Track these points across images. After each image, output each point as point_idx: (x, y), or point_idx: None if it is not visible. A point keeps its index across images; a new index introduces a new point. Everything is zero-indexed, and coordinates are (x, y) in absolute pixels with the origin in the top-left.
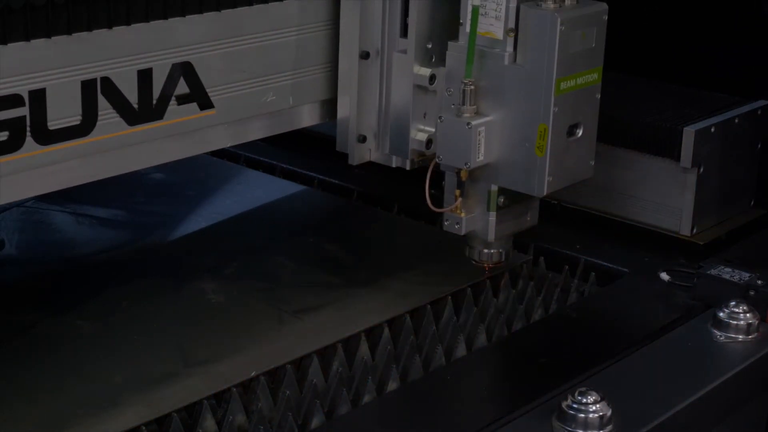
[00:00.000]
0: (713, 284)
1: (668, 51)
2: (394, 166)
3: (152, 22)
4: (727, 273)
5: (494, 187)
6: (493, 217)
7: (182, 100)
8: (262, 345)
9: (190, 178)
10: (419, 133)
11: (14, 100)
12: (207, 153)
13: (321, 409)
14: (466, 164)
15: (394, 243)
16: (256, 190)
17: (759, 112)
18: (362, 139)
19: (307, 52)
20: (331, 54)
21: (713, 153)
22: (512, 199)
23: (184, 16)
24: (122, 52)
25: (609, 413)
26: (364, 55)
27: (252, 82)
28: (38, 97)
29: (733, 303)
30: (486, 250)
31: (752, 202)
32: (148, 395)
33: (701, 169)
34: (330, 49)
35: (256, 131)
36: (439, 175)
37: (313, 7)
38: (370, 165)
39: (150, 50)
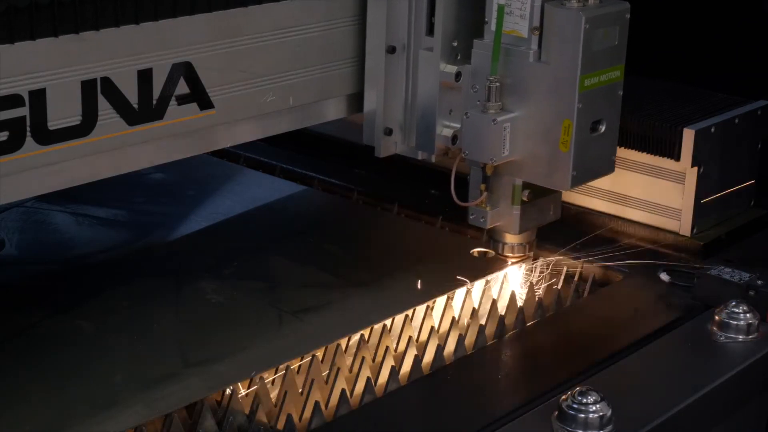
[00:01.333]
0: (713, 284)
1: (668, 51)
2: (420, 158)
3: (151, 23)
4: (727, 273)
5: (518, 182)
6: (517, 211)
7: (182, 100)
8: (262, 345)
9: (190, 178)
10: (445, 129)
11: (14, 100)
12: (207, 153)
13: (321, 409)
14: (491, 159)
15: (394, 243)
16: (256, 190)
17: (759, 112)
18: (389, 132)
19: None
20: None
21: (713, 153)
22: (536, 194)
23: (184, 15)
24: (122, 52)
25: (609, 413)
26: (391, 50)
27: (252, 82)
28: (38, 97)
29: (733, 303)
30: (510, 244)
31: (752, 202)
32: (148, 395)
33: (701, 169)
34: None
35: (256, 131)
36: (442, 176)
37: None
38: (370, 165)
39: (150, 50)
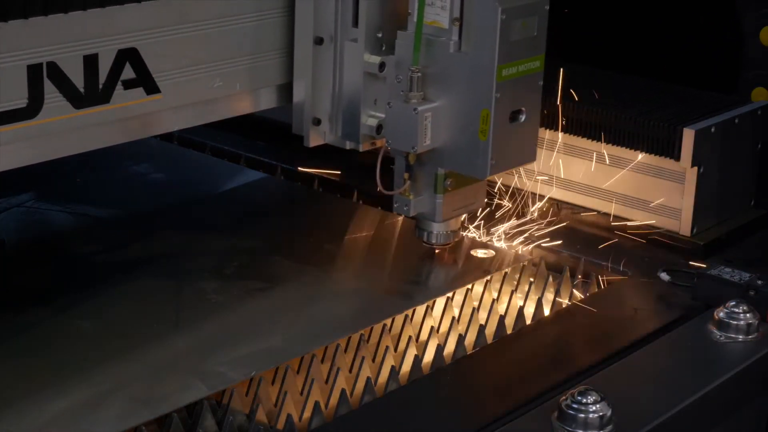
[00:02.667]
0: (713, 284)
1: (669, 51)
2: (347, 148)
3: (96, 9)
4: (727, 273)
5: (441, 170)
6: (440, 199)
7: (128, 84)
8: (262, 345)
9: (190, 178)
10: (370, 119)
11: None
12: (207, 153)
13: (321, 409)
14: (413, 148)
15: (395, 243)
16: (256, 190)
17: (759, 112)
18: (317, 122)
19: (258, 38)
20: (285, 40)
21: (713, 153)
22: (459, 182)
23: (132, 2)
24: (69, 37)
25: (609, 413)
26: (318, 41)
27: (199, 68)
28: None
29: (733, 303)
30: (435, 232)
31: (752, 202)
32: (148, 395)
33: (701, 169)
34: (283, 35)
35: (204, 116)
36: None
37: None
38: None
39: (96, 36)
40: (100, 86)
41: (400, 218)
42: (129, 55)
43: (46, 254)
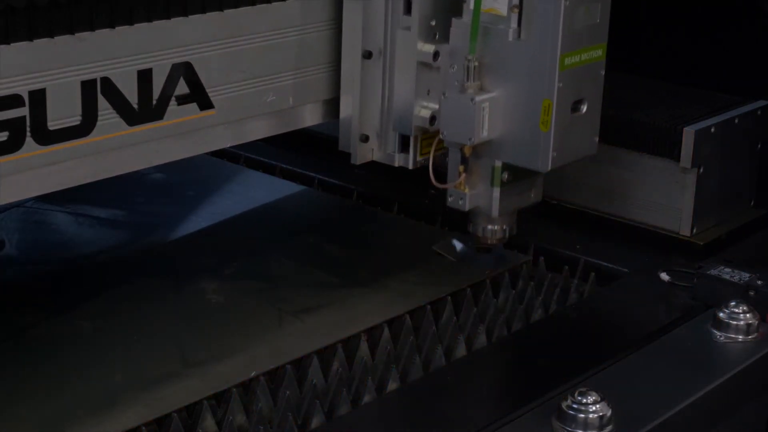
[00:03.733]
0: (713, 284)
1: (669, 51)
2: (396, 165)
3: (153, 22)
4: (727, 273)
5: (498, 163)
6: (497, 192)
7: (182, 100)
8: (262, 345)
9: (190, 178)
10: (423, 110)
11: (14, 101)
12: (207, 153)
13: (321, 409)
14: (470, 140)
15: (394, 243)
16: (256, 190)
17: (759, 112)
18: (365, 138)
19: (309, 52)
20: (334, 54)
21: (713, 153)
22: (516, 175)
23: (185, 15)
24: (122, 52)
25: (609, 413)
26: (367, 55)
27: (252, 82)
28: (38, 98)
29: (733, 303)
30: (490, 227)
31: (752, 202)
32: (148, 395)
33: (701, 169)
34: (332, 49)
35: (257, 131)
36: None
37: (315, 6)
38: (370, 165)
39: (150, 50)
40: (154, 102)
41: (400, 218)
42: (183, 69)
43: (46, 254)
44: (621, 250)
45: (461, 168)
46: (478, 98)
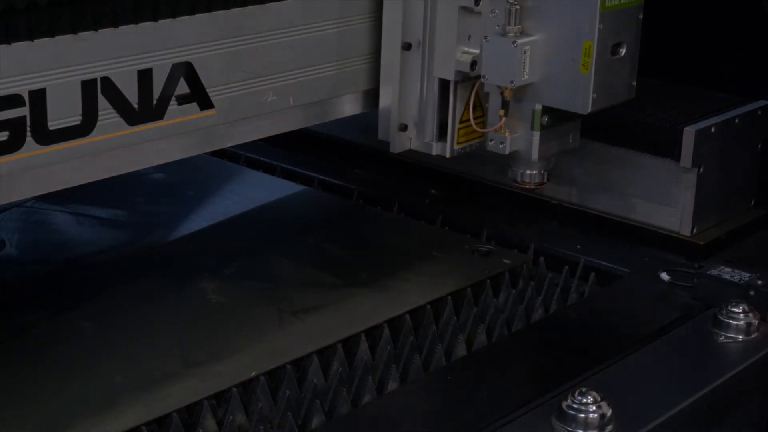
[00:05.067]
0: (713, 284)
1: (668, 50)
2: (434, 153)
3: (153, 23)
4: (727, 273)
5: (538, 106)
6: (537, 136)
7: (182, 100)
8: (262, 345)
9: (190, 178)
10: (464, 55)
11: (14, 100)
12: (207, 153)
13: (321, 409)
14: (511, 82)
15: (394, 243)
16: (256, 190)
17: (759, 112)
18: (404, 128)
19: (317, 49)
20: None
21: (713, 153)
22: (555, 119)
23: (185, 15)
24: (123, 52)
25: (609, 413)
26: (407, 47)
27: (253, 82)
28: (38, 97)
29: (733, 303)
30: (528, 171)
31: (752, 202)
32: (148, 395)
33: (701, 169)
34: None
35: (258, 131)
36: (441, 176)
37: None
38: (370, 165)
39: (150, 50)
40: (154, 102)
41: (400, 218)
42: (183, 70)
43: (46, 254)
44: (621, 250)
45: (501, 112)
46: (519, 41)
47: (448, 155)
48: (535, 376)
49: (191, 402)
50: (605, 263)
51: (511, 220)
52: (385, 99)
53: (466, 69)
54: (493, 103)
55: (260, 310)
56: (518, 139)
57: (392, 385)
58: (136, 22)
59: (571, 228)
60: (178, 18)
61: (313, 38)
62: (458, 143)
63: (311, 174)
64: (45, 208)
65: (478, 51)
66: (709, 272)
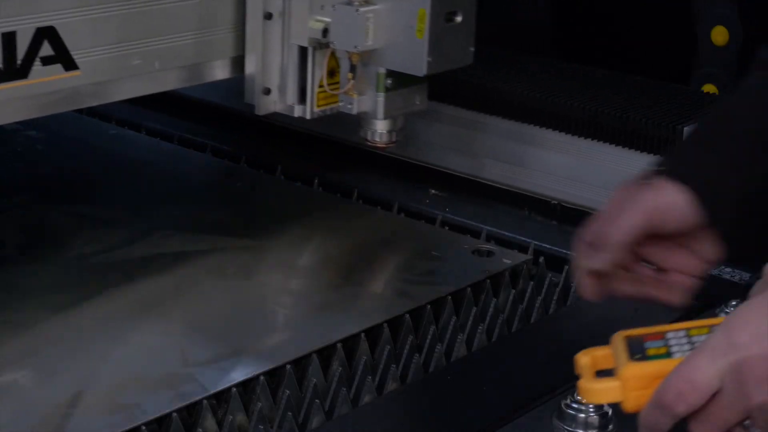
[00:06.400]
0: (713, 284)
1: (668, 50)
2: (296, 115)
3: None
4: (727, 273)
5: (382, 70)
6: (381, 97)
7: (47, 61)
8: (263, 345)
9: (190, 178)
10: (317, 23)
11: None
12: (208, 153)
13: (321, 409)
14: (355, 47)
15: (394, 243)
16: (257, 189)
17: None
18: (267, 91)
19: (180, 16)
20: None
21: None
22: (399, 82)
23: None
24: None
25: (610, 412)
26: (268, 16)
27: (116, 46)
28: None
29: (733, 303)
30: (378, 131)
31: None
32: (149, 395)
33: None
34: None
35: (123, 92)
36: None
37: None
38: (370, 165)
39: (15, 15)
40: (18, 63)
41: (399, 218)
42: (48, 33)
43: (46, 254)
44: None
45: (350, 75)
46: (362, 9)
47: (308, 117)
48: (534, 376)
49: (191, 402)
50: None
51: (511, 220)
52: (250, 66)
53: (319, 36)
54: (344, 68)
55: (260, 310)
56: (366, 100)
57: (392, 385)
58: None
59: (571, 228)
60: None
61: (177, 7)
62: (318, 106)
63: (311, 174)
64: (45, 208)
65: (330, 20)
66: (709, 272)
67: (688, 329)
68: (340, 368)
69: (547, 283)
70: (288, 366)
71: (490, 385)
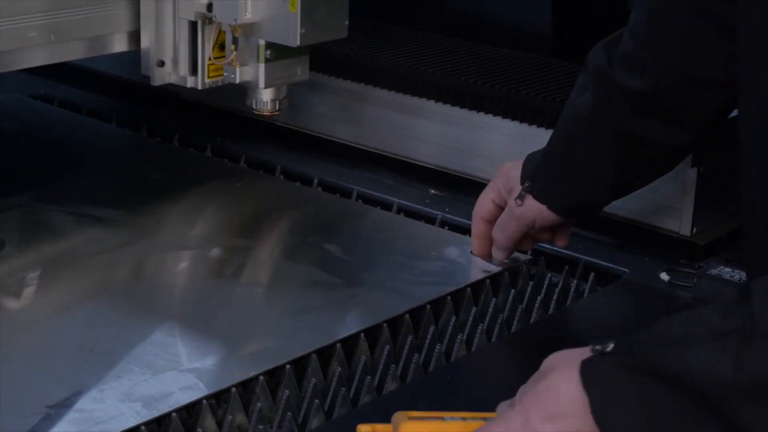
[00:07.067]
0: (713, 284)
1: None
2: (188, 86)
3: None
4: (727, 273)
5: (262, 42)
6: (262, 68)
7: None
8: (262, 345)
9: (190, 178)
10: None
11: None
12: (207, 153)
13: (321, 409)
14: (234, 20)
15: (394, 243)
16: (256, 190)
17: None
18: (161, 63)
19: None
20: None
21: (713, 153)
22: (279, 53)
23: None
24: None
25: None
26: None
27: (11, 20)
28: None
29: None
30: (261, 99)
31: None
32: (148, 395)
33: (701, 169)
34: None
35: (24, 61)
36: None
37: None
38: (370, 165)
39: None
40: None
41: (400, 219)
42: None
43: (46, 254)
44: (621, 250)
45: (232, 47)
46: None
47: (199, 87)
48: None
49: (191, 402)
50: (605, 263)
51: None
52: (145, 40)
53: (204, 10)
54: (228, 40)
55: (260, 309)
56: (248, 70)
57: (392, 385)
58: None
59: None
60: None
61: None
62: (209, 77)
63: (311, 174)
64: (45, 208)
65: None
66: (709, 272)
67: (464, 418)
68: (340, 368)
69: (546, 283)
70: (287, 366)
71: (490, 385)
